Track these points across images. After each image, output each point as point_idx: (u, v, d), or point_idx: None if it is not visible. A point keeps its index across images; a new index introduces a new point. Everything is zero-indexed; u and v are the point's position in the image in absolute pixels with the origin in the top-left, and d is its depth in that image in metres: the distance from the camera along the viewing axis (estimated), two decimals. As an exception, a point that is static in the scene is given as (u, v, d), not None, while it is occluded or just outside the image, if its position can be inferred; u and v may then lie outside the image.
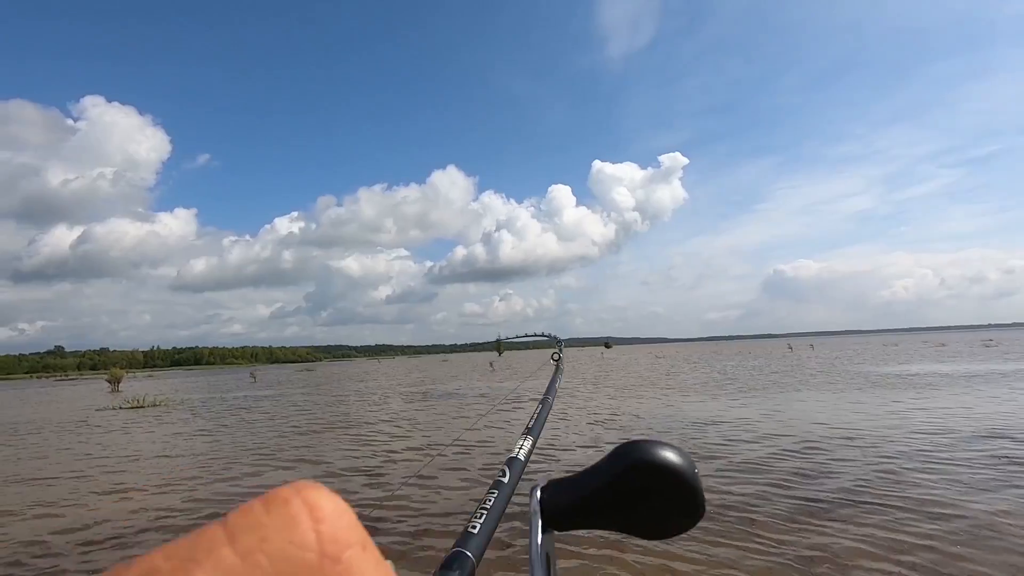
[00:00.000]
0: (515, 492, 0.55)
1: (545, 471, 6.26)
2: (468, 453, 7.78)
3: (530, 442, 0.75)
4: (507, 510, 0.52)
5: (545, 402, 1.07)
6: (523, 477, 0.60)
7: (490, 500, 0.50)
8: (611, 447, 0.34)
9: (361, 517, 0.20)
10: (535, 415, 0.93)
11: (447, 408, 14.45)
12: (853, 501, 4.78)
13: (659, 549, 3.90)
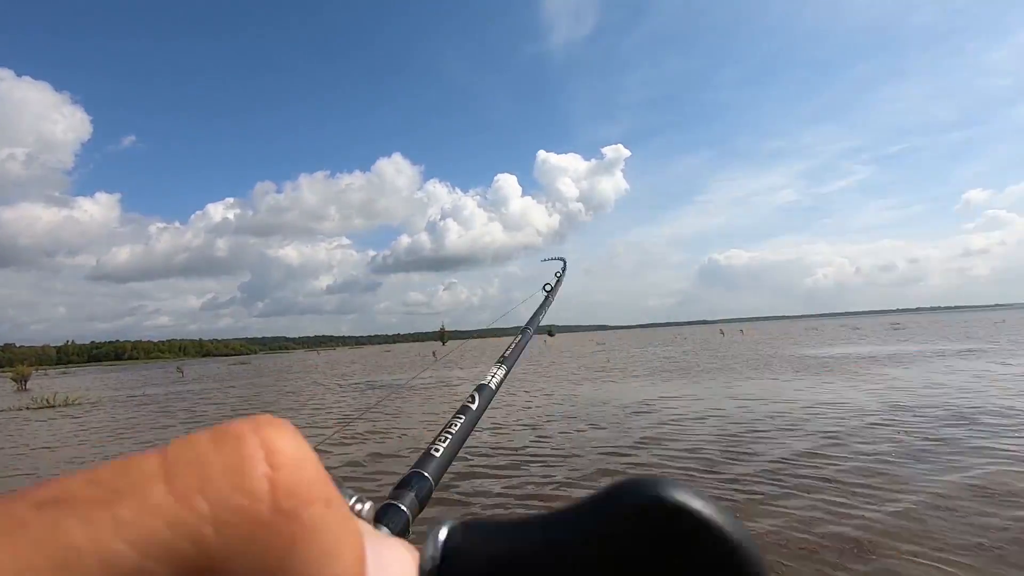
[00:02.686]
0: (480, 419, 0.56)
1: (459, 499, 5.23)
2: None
3: (503, 371, 0.72)
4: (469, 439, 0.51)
5: (525, 333, 1.01)
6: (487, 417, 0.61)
7: (455, 425, 0.49)
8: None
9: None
10: (512, 345, 0.89)
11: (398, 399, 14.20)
12: (773, 476, 5.08)
13: None
